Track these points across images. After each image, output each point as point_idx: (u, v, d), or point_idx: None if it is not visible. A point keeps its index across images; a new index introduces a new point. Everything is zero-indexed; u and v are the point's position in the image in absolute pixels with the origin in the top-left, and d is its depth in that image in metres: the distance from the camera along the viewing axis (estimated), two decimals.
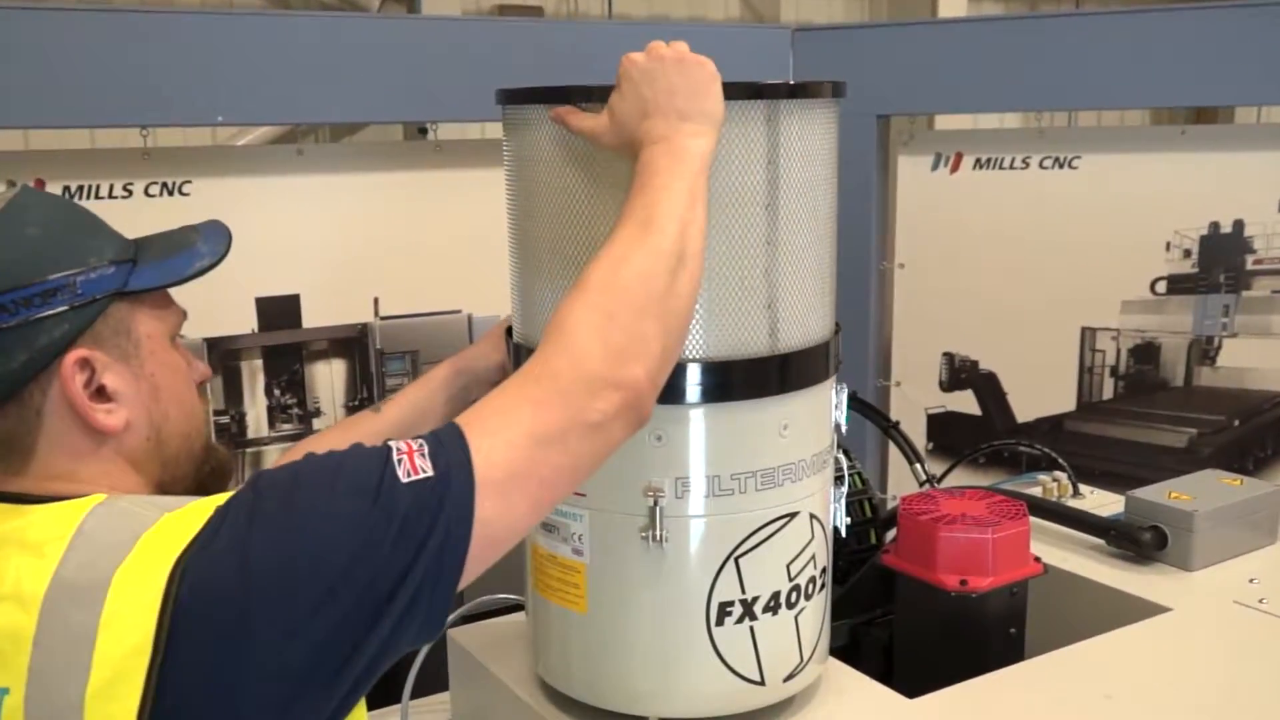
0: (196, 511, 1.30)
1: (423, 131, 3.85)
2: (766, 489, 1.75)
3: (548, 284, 1.74)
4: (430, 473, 1.32)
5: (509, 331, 1.92)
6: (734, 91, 1.64)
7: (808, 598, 1.82)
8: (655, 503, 1.71)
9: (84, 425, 1.43)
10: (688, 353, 1.69)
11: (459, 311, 3.54)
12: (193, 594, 1.23)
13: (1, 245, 1.40)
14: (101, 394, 1.44)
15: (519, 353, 1.84)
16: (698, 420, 1.72)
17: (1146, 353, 3.78)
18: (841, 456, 1.97)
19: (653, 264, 1.50)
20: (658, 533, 1.71)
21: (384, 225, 3.45)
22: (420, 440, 1.36)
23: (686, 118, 1.58)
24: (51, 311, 1.39)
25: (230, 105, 3.14)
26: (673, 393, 1.65)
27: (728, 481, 1.73)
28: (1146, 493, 2.37)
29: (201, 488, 1.53)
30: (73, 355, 1.41)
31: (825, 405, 1.84)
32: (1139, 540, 2.30)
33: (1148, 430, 3.79)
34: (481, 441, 1.36)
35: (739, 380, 1.71)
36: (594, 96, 1.66)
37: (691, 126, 1.58)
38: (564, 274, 1.70)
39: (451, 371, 2.05)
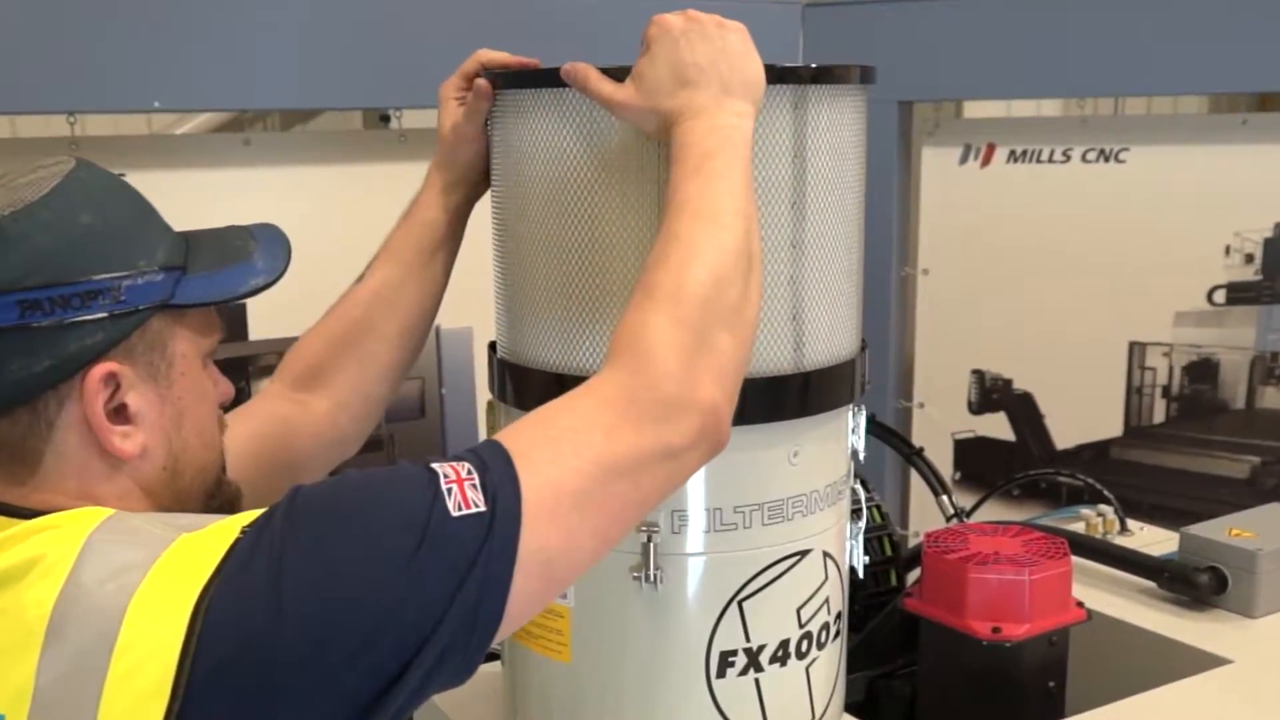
0: (219, 535, 1.30)
1: (385, 119, 3.85)
2: (774, 524, 1.75)
3: (542, 293, 1.74)
4: (481, 507, 1.31)
5: (492, 346, 1.92)
6: None
7: (820, 646, 1.82)
8: (648, 538, 1.71)
9: (97, 446, 1.42)
10: None
11: None
12: (218, 635, 1.22)
13: (49, 229, 1.37)
14: (121, 413, 1.42)
15: (504, 370, 1.84)
16: None
17: (1203, 371, 3.78)
18: (859, 487, 1.98)
19: (724, 266, 1.49)
20: (651, 572, 1.71)
21: (341, 224, 3.43)
22: (467, 465, 1.35)
23: (730, 91, 1.57)
24: (89, 317, 1.37)
25: (168, 89, 3.15)
26: None
27: (730, 515, 1.73)
28: (1203, 529, 2.37)
29: None
30: (101, 368, 1.38)
31: (841, 430, 1.85)
32: (1195, 583, 2.30)
33: (1204, 459, 3.80)
34: (543, 470, 1.36)
35: (755, 401, 1.70)
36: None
37: (736, 104, 1.57)
38: (560, 282, 1.71)
39: (403, 239, 2.03)
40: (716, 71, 1.58)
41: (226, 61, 3.19)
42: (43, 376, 1.37)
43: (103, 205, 1.42)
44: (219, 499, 1.57)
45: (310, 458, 1.91)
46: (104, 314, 1.38)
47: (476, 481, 1.33)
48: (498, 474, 1.34)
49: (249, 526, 1.30)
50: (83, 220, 1.39)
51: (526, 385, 1.80)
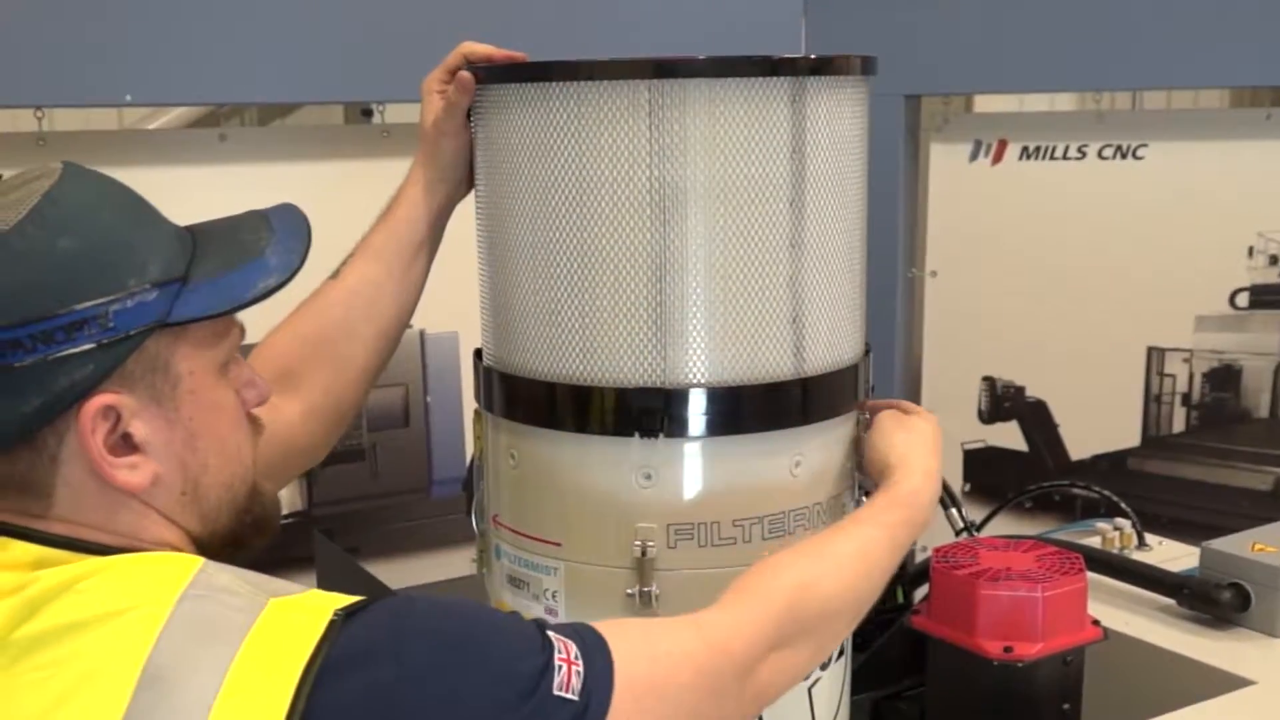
0: (311, 609, 1.31)
1: (367, 113, 3.85)
2: (775, 537, 1.75)
3: (529, 297, 1.75)
4: (577, 698, 1.36)
5: (478, 354, 1.92)
6: (750, 67, 1.65)
7: (823, 667, 1.83)
8: (643, 553, 1.71)
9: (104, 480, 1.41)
10: (691, 376, 1.69)
11: (409, 327, 3.52)
12: None
13: (23, 260, 1.34)
14: (127, 442, 1.41)
15: (490, 379, 1.85)
16: (695, 456, 1.72)
17: (1225, 378, 3.79)
18: (864, 500, 1.98)
19: (845, 607, 1.66)
20: (646, 589, 1.71)
21: (322, 224, 3.42)
22: (574, 649, 1.39)
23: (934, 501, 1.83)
24: (76, 350, 1.34)
25: (140, 83, 3.14)
26: (668, 422, 1.65)
27: (729, 529, 1.73)
28: (1225, 544, 2.37)
29: (237, 540, 1.53)
30: (95, 402, 1.36)
31: (845, 439, 1.85)
32: (1216, 600, 2.30)
33: (1226, 470, 3.80)
34: (636, 685, 1.41)
35: (753, 409, 1.71)
36: (580, 72, 1.67)
37: (926, 515, 1.81)
38: (548, 286, 1.71)
39: (384, 237, 2.03)
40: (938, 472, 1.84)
41: (202, 53, 3.19)
42: (34, 416, 1.35)
43: (86, 223, 1.39)
44: (252, 514, 1.56)
45: (278, 466, 1.88)
46: (92, 344, 1.35)
47: (580, 669, 1.37)
48: (597, 672, 1.39)
49: (344, 612, 1.31)
50: (61, 245, 1.36)
51: (514, 394, 1.81)
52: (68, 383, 1.35)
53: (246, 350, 1.59)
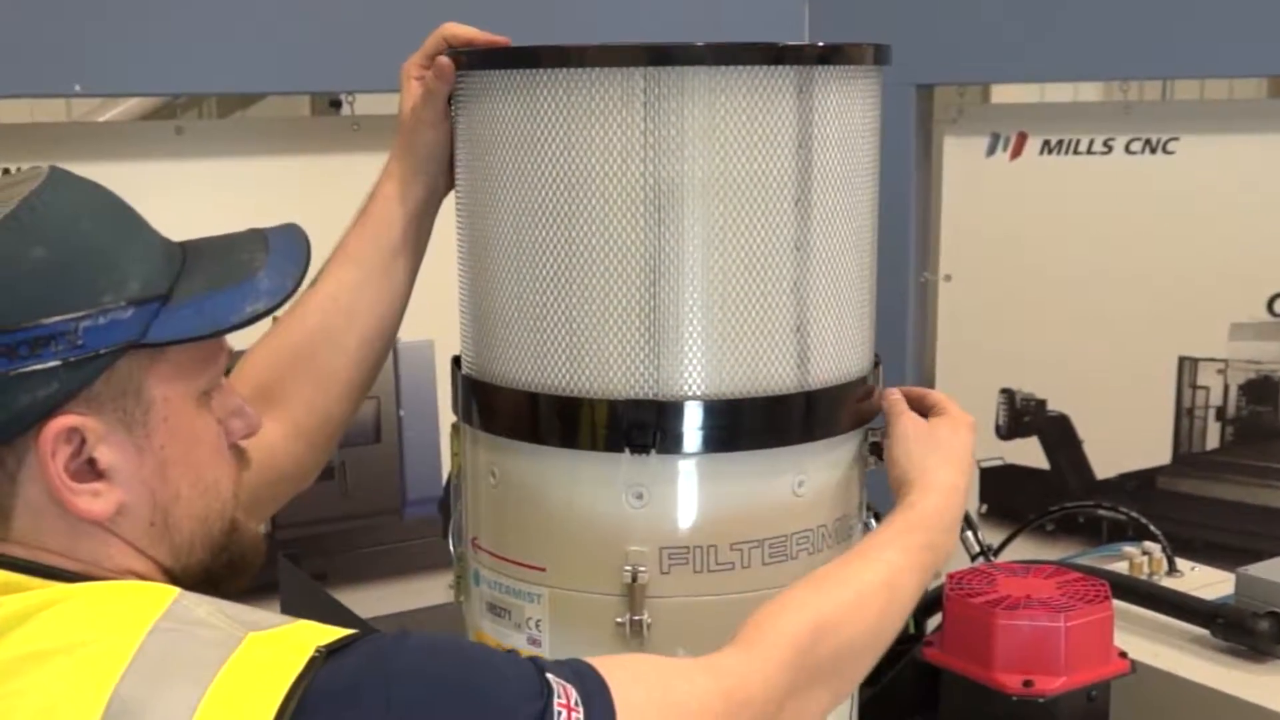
0: (291, 644, 1.31)
1: (336, 104, 3.86)
2: (776, 562, 1.75)
3: (512, 301, 1.75)
4: None
5: (456, 362, 1.93)
6: (753, 54, 1.66)
7: None
8: (634, 579, 1.71)
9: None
10: (687, 387, 1.69)
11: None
12: None
13: None
14: (93, 467, 1.41)
15: (470, 389, 1.85)
16: (690, 474, 1.72)
17: (1262, 390, 3.79)
18: (873, 522, 1.98)
19: (868, 643, 1.67)
20: (637, 618, 1.71)
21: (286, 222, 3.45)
22: (575, 694, 1.38)
23: (960, 519, 1.86)
24: (40, 366, 1.34)
25: (91, 71, 3.14)
26: (661, 437, 1.66)
27: (727, 553, 1.73)
28: (1263, 569, 2.37)
29: (211, 578, 1.52)
30: (57, 423, 1.37)
31: (852, 456, 1.85)
32: (1253, 630, 2.30)
33: (1263, 490, 3.80)
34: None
35: (753, 424, 1.71)
36: (570, 58, 1.67)
37: (956, 531, 1.85)
38: (533, 289, 1.72)
39: (360, 239, 2.04)
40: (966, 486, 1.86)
41: (157, 39, 3.19)
42: None
43: (63, 233, 1.39)
44: (230, 551, 1.56)
45: (262, 493, 1.88)
46: (58, 362, 1.35)
47: (582, 716, 1.36)
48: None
49: (327, 648, 1.30)
50: (34, 255, 1.36)
51: (495, 406, 1.81)
52: (29, 401, 1.35)
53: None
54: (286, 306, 1.61)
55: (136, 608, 1.33)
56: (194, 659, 1.27)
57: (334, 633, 1.33)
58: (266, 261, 1.52)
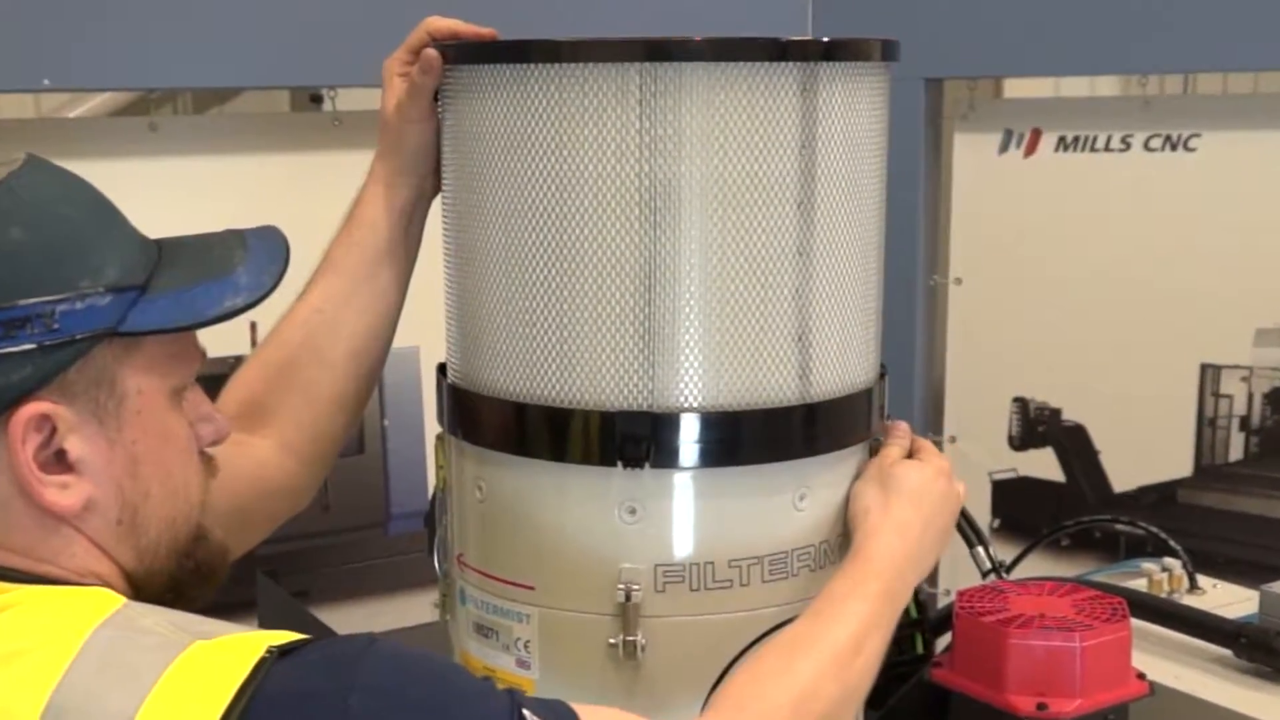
0: (239, 648, 1.31)
1: (316, 100, 3.86)
2: (776, 580, 1.76)
3: (500, 307, 1.75)
4: None
5: (442, 370, 1.93)
6: (755, 50, 1.66)
7: None
8: (627, 598, 1.71)
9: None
10: (683, 398, 1.70)
11: None
12: None
13: None
14: (62, 458, 1.42)
15: (456, 398, 1.85)
16: (686, 489, 1.72)
17: None
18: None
19: (845, 704, 1.67)
20: (631, 638, 1.71)
21: (265, 223, 3.45)
22: None
23: (920, 566, 1.83)
24: (14, 349, 1.36)
25: (60, 65, 3.15)
26: (655, 451, 1.66)
27: (725, 570, 1.74)
28: None
29: (176, 586, 1.53)
30: (29, 409, 1.38)
31: (856, 471, 1.85)
32: (1278, 650, 2.31)
33: None
34: None
35: (752, 437, 1.72)
36: (562, 53, 1.67)
37: (914, 577, 1.82)
38: (522, 294, 1.72)
39: (344, 245, 2.05)
40: (931, 531, 1.84)
41: (130, 31, 3.19)
42: None
43: (42, 216, 1.41)
44: (195, 558, 1.57)
45: (258, 509, 1.91)
46: (32, 345, 1.37)
47: None
48: None
49: (278, 649, 1.30)
50: (12, 236, 1.38)
51: (482, 417, 1.81)
52: (1, 384, 1.36)
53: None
54: (273, 309, 1.64)
55: (78, 614, 1.34)
56: (134, 664, 1.28)
57: (286, 635, 1.33)
58: (245, 259, 1.55)
